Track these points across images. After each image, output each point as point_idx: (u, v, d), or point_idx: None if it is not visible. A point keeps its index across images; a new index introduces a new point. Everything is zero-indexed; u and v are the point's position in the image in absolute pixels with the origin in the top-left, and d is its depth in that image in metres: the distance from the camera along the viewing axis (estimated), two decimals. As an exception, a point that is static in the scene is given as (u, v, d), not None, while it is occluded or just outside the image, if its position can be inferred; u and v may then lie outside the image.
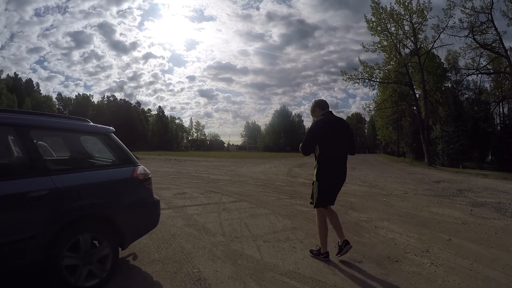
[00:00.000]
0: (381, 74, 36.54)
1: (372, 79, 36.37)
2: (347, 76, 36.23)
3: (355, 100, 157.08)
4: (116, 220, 3.39)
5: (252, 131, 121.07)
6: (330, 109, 4.24)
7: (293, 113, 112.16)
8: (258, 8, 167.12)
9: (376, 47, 34.97)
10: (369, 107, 40.83)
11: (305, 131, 79.44)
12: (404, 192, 10.65)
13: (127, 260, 4.02)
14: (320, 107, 4.17)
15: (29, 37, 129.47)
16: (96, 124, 3.90)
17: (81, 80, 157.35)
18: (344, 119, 4.34)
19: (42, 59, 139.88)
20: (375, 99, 40.53)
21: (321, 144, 3.90)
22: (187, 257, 4.15)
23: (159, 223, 5.80)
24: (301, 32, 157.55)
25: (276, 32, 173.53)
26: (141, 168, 3.84)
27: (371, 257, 4.30)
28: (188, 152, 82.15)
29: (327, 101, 4.30)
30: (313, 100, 4.36)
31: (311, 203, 4.17)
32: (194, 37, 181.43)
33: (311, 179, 4.29)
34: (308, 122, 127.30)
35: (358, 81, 36.20)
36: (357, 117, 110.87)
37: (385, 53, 34.88)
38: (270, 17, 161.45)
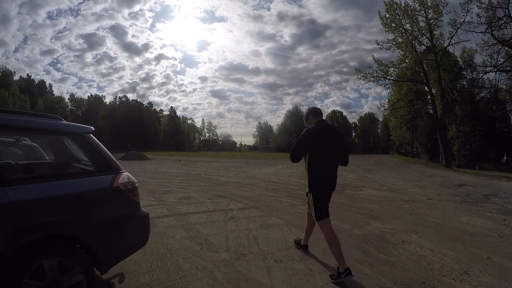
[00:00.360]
0: (396, 72, 35.39)
1: (387, 77, 35.25)
2: (362, 74, 35.21)
3: (367, 100, 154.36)
4: (90, 240, 2.76)
5: (264, 131, 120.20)
6: (323, 118, 4.21)
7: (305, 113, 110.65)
8: (269, 9, 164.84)
9: (391, 44, 33.84)
10: (383, 106, 39.80)
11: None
12: (428, 197, 9.81)
13: (112, 282, 3.37)
14: (313, 114, 4.11)
15: (42, 39, 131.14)
16: (71, 123, 3.26)
17: (94, 81, 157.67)
18: (352, 121, 4.25)
19: (55, 61, 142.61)
20: (389, 98, 39.49)
21: (311, 153, 3.79)
22: (182, 280, 3.50)
23: (156, 234, 5.21)
24: (312, 32, 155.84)
25: (287, 32, 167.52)
26: (124, 176, 3.17)
27: (404, 282, 3.60)
28: (200, 152, 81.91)
29: (334, 104, 3.93)
30: (307, 108, 4.36)
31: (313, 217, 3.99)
32: (205, 38, 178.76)
33: None
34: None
35: (372, 79, 35.13)
36: (370, 117, 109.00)
37: (400, 50, 33.72)
38: (281, 17, 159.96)
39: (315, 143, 3.77)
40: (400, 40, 33.12)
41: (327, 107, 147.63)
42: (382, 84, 36.56)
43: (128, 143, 70.34)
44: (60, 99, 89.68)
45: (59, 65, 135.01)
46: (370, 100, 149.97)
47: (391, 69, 35.10)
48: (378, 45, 34.43)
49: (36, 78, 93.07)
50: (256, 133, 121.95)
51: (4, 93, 68.96)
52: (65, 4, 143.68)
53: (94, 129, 3.41)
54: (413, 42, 32.39)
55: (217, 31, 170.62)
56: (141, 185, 11.40)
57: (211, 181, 13.07)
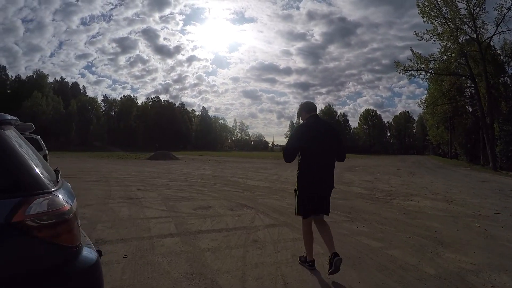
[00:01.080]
0: (437, 66, 32.60)
1: (429, 70, 32.54)
2: (402, 68, 32.71)
3: (401, 99, 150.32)
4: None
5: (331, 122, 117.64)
6: (317, 113, 4.02)
7: (338, 113, 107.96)
8: (298, 8, 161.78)
9: (430, 35, 31.13)
10: (424, 103, 37.08)
11: (350, 131, 76.44)
12: (496, 212, 7.80)
13: None
14: (306, 110, 3.87)
15: (76, 44, 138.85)
16: None
17: (127, 83, 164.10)
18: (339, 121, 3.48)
19: (90, 64, 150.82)
20: (426, 96, 36.75)
21: (302, 150, 3.59)
22: None
23: (147, 266, 3.77)
24: (342, 30, 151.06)
25: (317, 31, 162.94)
26: (41, 202, 1.69)
27: None
28: (231, 152, 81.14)
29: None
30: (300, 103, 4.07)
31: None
32: (236, 39, 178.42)
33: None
34: (353, 122, 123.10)
35: (413, 72, 32.55)
36: (405, 116, 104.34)
37: (440, 42, 30.97)
38: (311, 16, 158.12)
39: (307, 140, 3.57)
40: (440, 30, 30.47)
41: (360, 106, 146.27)
42: (424, 79, 34.02)
43: (158, 143, 70.38)
44: (93, 100, 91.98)
45: (93, 68, 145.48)
46: (404, 99, 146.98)
47: (432, 62, 32.44)
48: (417, 36, 31.68)
49: (71, 80, 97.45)
50: (288, 133, 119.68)
51: (37, 95, 72.40)
52: (98, 10, 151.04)
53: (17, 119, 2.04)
54: (456, 31, 29.55)
55: (247, 32, 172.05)
56: (158, 189, 10.19)
57: (238, 185, 11.65)
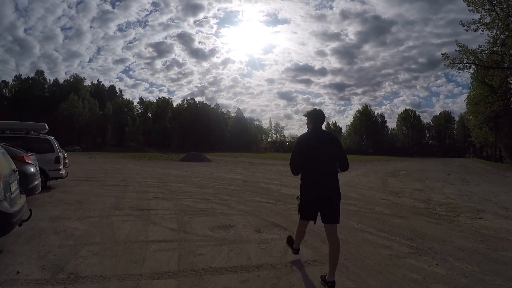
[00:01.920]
0: (485, 59, 29.47)
1: (480, 63, 29.47)
2: (450, 61, 29.91)
3: (439, 99, 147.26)
4: None
5: (333, 132, 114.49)
6: (326, 121, 4.00)
7: (375, 113, 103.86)
8: (331, 7, 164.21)
9: (477, 25, 28.12)
10: (468, 101, 34.02)
11: (388, 132, 73.19)
12: None
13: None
14: (310, 120, 3.82)
15: (114, 49, 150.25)
16: None
17: (164, 86, 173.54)
18: (331, 132, 3.70)
19: (127, 68, 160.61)
20: (469, 94, 33.73)
21: (302, 159, 3.66)
22: None
23: None
24: (377, 29, 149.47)
25: (351, 31, 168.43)
26: None
27: None
28: (266, 154, 79.70)
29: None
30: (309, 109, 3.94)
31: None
32: (270, 41, 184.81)
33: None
34: (390, 123, 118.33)
35: (461, 66, 29.69)
36: (446, 116, 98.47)
37: (489, 32, 27.92)
38: (344, 15, 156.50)
39: (305, 151, 3.63)
40: (489, 19, 27.46)
41: (397, 107, 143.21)
42: (472, 73, 31.22)
43: (193, 144, 70.46)
44: (129, 102, 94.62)
45: (131, 72, 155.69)
46: (442, 98, 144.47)
47: (480, 56, 29.45)
48: (463, 26, 28.90)
49: (109, 84, 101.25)
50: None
51: (74, 97, 75.67)
52: (133, 16, 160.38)
53: None
54: (506, 19, 26.32)
55: (281, 33, 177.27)
56: (177, 197, 8.87)
57: (270, 194, 10.03)
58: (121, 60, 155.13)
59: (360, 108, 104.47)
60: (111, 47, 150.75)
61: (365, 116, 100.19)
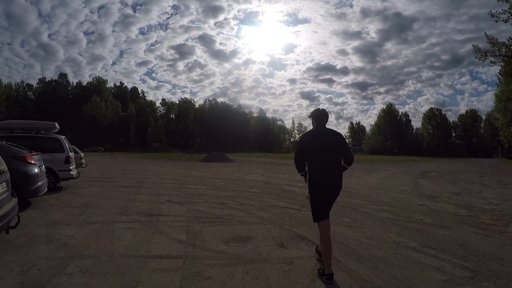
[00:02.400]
0: None
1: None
2: (481, 54, 28.15)
3: (463, 97, 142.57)
4: None
5: (356, 132, 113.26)
6: (329, 120, 3.98)
7: (400, 112, 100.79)
8: (351, 6, 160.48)
9: (508, 15, 26.21)
10: (502, 97, 32.16)
11: (413, 132, 70.57)
12: None
13: None
14: (314, 119, 3.92)
15: (136, 52, 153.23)
16: None
17: (186, 87, 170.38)
18: (337, 131, 3.91)
19: (150, 70, 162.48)
20: (497, 91, 31.65)
21: (308, 157, 3.73)
22: None
23: None
24: (399, 26, 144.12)
25: (373, 29, 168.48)
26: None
27: None
28: (289, 154, 78.39)
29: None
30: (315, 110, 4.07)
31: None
32: (291, 41, 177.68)
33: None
34: (414, 123, 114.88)
35: (493, 59, 27.93)
36: (472, 114, 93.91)
37: None
38: (365, 13, 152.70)
39: (310, 148, 3.69)
40: None
41: (421, 106, 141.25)
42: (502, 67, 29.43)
43: (215, 144, 70.18)
44: (151, 103, 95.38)
45: (153, 74, 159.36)
46: (467, 96, 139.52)
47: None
48: (493, 17, 27.03)
49: (130, 86, 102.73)
50: (348, 134, 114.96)
51: (96, 99, 77.35)
52: (154, 20, 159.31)
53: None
54: None
55: (302, 33, 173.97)
56: (192, 201, 8.21)
57: (294, 198, 9.08)
58: (144, 63, 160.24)
59: (384, 107, 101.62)
60: (134, 50, 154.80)
61: (389, 115, 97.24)
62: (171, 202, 7.96)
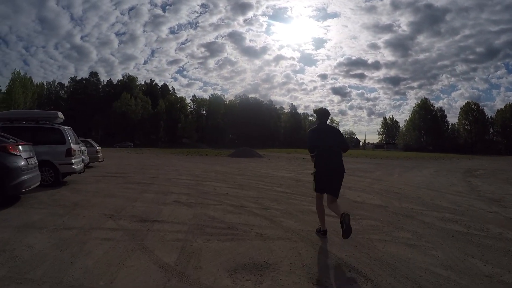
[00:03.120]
0: None
1: None
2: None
3: (499, 91, 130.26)
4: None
5: (390, 128, 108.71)
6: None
7: (435, 107, 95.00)
8: None
9: None
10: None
11: (448, 128, 65.96)
12: None
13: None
14: (318, 117, 4.83)
15: (167, 51, 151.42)
16: None
17: (217, 84, 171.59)
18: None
19: (181, 69, 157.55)
20: None
21: (315, 145, 4.61)
22: None
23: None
24: (430, 18, 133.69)
25: (404, 21, 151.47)
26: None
27: None
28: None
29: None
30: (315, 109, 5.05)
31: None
32: (321, 36, 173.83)
33: None
34: (450, 118, 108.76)
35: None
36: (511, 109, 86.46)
37: None
38: (395, 5, 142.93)
39: (315, 139, 4.64)
40: None
41: (455, 101, 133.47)
42: None
43: (246, 140, 68.95)
44: (181, 99, 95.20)
45: (184, 72, 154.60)
46: (503, 91, 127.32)
47: None
48: None
49: (161, 83, 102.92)
50: (381, 130, 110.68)
51: (126, 96, 78.08)
52: (184, 19, 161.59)
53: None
54: None
55: (331, 28, 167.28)
56: (204, 202, 6.86)
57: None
58: (175, 61, 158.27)
59: (419, 102, 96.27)
60: (165, 49, 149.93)
61: (424, 110, 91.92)
62: (178, 203, 6.52)
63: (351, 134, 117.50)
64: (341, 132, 4.98)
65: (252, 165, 19.38)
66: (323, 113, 4.77)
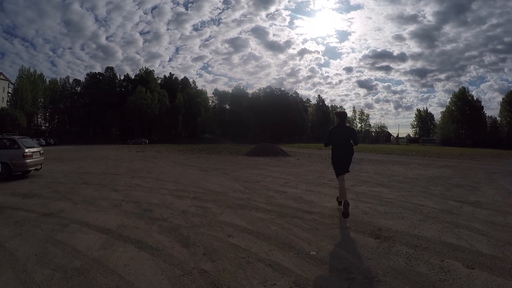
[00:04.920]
0: None
1: None
2: None
3: None
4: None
5: (424, 120, 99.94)
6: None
7: (474, 98, 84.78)
8: None
9: None
10: None
11: (485, 119, 56.70)
12: None
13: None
14: (336, 118, 6.45)
15: (192, 48, 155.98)
16: None
17: (242, 79, 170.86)
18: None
19: (206, 65, 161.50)
20: None
21: (330, 140, 6.23)
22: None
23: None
24: (456, 7, 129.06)
25: (429, 11, 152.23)
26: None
27: None
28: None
29: None
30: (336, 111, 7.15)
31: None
32: (345, 28, 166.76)
33: None
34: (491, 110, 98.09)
35: None
36: None
37: None
38: None
39: (332, 135, 6.22)
40: None
41: (484, 93, 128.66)
42: None
43: (268, 134, 62.53)
44: (201, 92, 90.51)
45: (209, 68, 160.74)
46: None
47: None
48: None
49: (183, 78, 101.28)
50: (415, 123, 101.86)
51: (141, 89, 73.48)
52: (207, 16, 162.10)
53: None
54: None
55: (355, 20, 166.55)
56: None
57: None
58: (199, 58, 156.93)
59: (456, 92, 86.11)
60: (189, 46, 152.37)
61: (462, 101, 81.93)
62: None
63: (382, 127, 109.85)
64: (355, 130, 7.35)
65: (273, 172, 12.72)
66: (340, 115, 6.43)
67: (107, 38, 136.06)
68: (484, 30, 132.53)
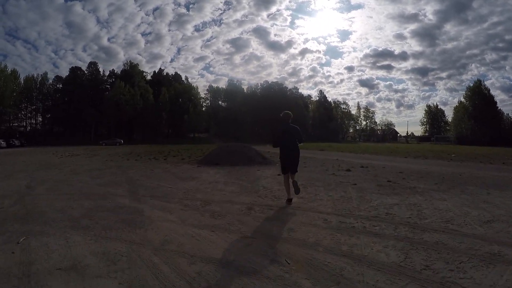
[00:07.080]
0: None
1: None
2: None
3: None
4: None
5: (435, 116, 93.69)
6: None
7: (490, 92, 77.07)
8: None
9: None
10: None
11: (502, 116, 51.97)
12: None
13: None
14: (281, 119, 6.97)
15: (193, 49, 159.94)
16: None
17: (244, 79, 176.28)
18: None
19: (207, 65, 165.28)
20: None
21: (279, 140, 6.85)
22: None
23: None
24: (457, 5, 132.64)
25: (429, 10, 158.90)
26: None
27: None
28: (356, 144, 62.17)
29: None
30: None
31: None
32: (346, 28, 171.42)
33: None
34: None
35: None
36: None
37: None
38: None
39: (279, 136, 6.82)
40: None
41: (486, 91, 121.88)
42: None
43: (263, 133, 55.33)
44: (190, 87, 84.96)
45: (211, 69, 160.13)
46: None
47: None
48: None
49: (192, 81, 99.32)
50: (425, 120, 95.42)
51: (120, 84, 68.26)
52: (208, 16, 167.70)
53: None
54: None
55: (356, 19, 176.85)
56: None
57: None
58: (201, 58, 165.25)
59: (471, 85, 78.25)
60: (190, 46, 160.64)
61: (477, 95, 74.22)
62: None
63: (389, 125, 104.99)
64: (299, 130, 7.02)
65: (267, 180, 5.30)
66: (285, 116, 6.97)
67: (109, 39, 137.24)
68: (485, 28, 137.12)
